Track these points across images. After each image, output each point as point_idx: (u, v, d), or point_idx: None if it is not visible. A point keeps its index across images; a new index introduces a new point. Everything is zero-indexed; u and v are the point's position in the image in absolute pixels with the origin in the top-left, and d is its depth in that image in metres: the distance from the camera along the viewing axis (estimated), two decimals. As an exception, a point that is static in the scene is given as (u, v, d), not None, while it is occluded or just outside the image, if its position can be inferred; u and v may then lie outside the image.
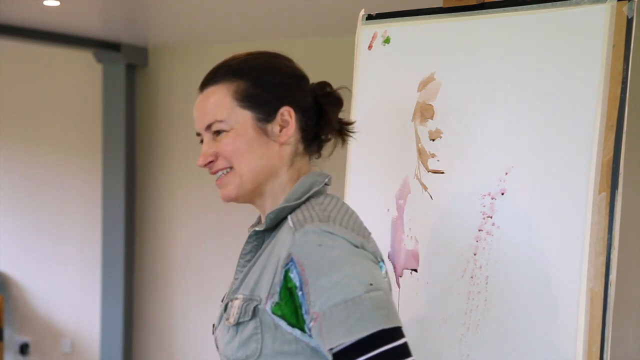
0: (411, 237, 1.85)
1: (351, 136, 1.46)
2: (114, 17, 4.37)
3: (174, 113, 5.18)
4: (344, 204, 1.38)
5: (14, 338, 5.67)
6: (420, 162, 1.84)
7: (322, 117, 1.41)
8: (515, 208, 1.69)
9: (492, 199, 1.73)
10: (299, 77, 1.43)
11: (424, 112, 1.85)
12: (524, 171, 1.69)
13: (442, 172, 1.77)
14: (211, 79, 1.40)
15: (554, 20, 1.69)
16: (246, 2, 3.74)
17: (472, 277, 1.74)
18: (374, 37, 1.95)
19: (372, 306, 1.20)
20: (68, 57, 5.38)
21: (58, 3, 3.83)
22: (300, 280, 1.24)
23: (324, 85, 1.43)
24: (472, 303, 1.74)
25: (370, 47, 1.95)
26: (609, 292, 1.56)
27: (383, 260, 1.35)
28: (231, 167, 1.38)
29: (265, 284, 1.30)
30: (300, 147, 1.41)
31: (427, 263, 1.82)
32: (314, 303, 1.22)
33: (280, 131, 1.37)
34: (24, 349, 5.64)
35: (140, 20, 4.50)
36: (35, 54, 5.50)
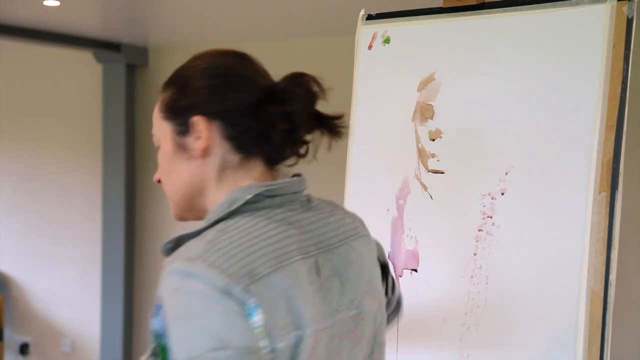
0: (411, 237, 1.85)
1: (340, 130, 1.25)
2: (114, 17, 4.37)
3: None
4: (258, 228, 1.14)
5: (14, 338, 5.67)
6: (420, 162, 1.84)
7: (261, 121, 1.20)
8: (515, 208, 1.69)
9: (492, 199, 1.73)
10: (226, 77, 1.23)
11: (424, 112, 1.85)
12: (524, 171, 1.69)
13: (442, 172, 1.77)
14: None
15: (554, 20, 1.69)
16: (246, 2, 3.74)
17: (472, 277, 1.74)
18: (374, 37, 1.95)
19: None
20: (68, 57, 5.37)
21: (58, 3, 3.83)
22: (164, 325, 1.09)
23: (288, 77, 1.23)
24: (472, 303, 1.74)
25: (370, 47, 1.95)
26: (609, 292, 1.56)
27: (259, 306, 1.07)
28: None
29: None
30: (235, 158, 1.20)
31: (427, 263, 1.82)
32: (172, 353, 1.07)
33: (196, 143, 1.20)
34: (24, 349, 5.64)
35: (140, 20, 4.50)
36: (35, 54, 5.49)
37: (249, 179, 1.21)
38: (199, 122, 1.20)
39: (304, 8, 3.84)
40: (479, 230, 1.74)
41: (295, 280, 1.12)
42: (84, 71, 5.38)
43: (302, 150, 1.24)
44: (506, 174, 1.71)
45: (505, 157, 1.72)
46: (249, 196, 1.16)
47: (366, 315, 1.24)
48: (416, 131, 1.85)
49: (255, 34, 4.55)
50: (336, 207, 1.31)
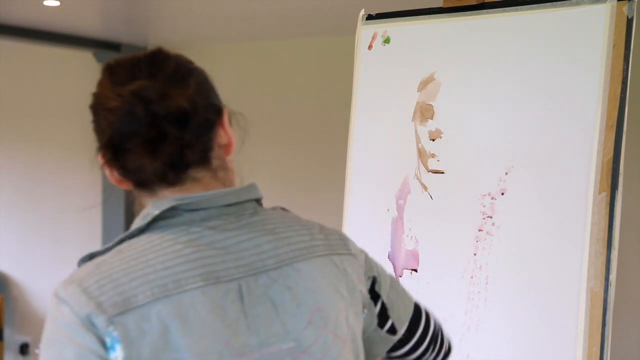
0: (411, 237, 1.85)
1: (239, 120, 1.14)
2: (114, 17, 4.37)
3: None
4: (157, 249, 1.04)
5: (14, 338, 5.67)
6: (420, 162, 1.84)
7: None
8: (515, 208, 1.69)
9: (492, 199, 1.73)
10: (99, 107, 1.11)
11: (424, 112, 1.85)
12: (524, 171, 1.69)
13: (442, 172, 1.77)
14: None
15: (554, 20, 1.69)
16: (246, 2, 3.74)
17: (472, 277, 1.74)
18: (374, 37, 1.95)
19: None
20: (68, 57, 5.38)
21: (58, 3, 3.83)
22: None
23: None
24: (472, 303, 1.74)
25: (370, 47, 1.95)
26: (609, 292, 1.56)
27: (121, 341, 0.98)
28: None
29: None
30: (142, 194, 1.11)
31: (427, 263, 1.82)
32: None
33: None
34: (24, 349, 5.64)
35: (140, 20, 4.50)
36: (35, 54, 5.50)
37: (148, 200, 1.10)
38: (98, 161, 1.14)
39: (304, 8, 3.84)
40: (479, 230, 1.74)
41: (181, 312, 1.00)
42: (84, 71, 5.38)
43: (208, 155, 1.10)
44: (506, 174, 1.71)
45: (505, 157, 1.72)
46: (157, 211, 1.05)
47: (307, 349, 1.07)
48: (416, 131, 1.85)
49: (255, 34, 4.55)
50: (291, 224, 1.14)
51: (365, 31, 1.96)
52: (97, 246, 5.31)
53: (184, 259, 1.03)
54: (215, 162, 1.11)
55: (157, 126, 1.05)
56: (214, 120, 1.11)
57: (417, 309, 1.27)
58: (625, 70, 1.58)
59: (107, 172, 1.11)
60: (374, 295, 1.20)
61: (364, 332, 1.19)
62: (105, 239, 5.21)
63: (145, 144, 1.05)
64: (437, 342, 1.29)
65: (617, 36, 1.60)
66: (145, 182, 1.09)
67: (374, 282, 1.20)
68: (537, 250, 1.67)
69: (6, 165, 5.72)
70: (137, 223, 1.07)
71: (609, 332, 1.57)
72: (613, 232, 1.57)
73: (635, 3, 1.60)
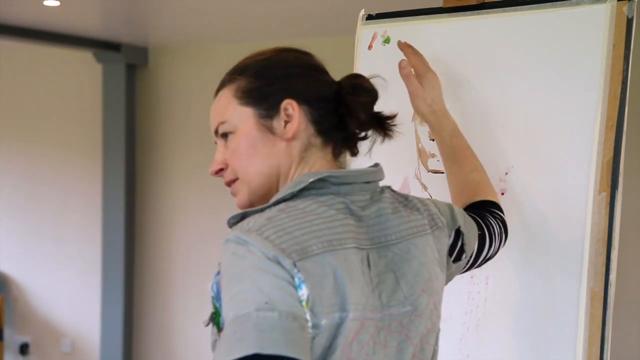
0: (411, 237, 1.85)
1: (392, 130, 1.35)
2: (114, 17, 4.37)
3: (174, 113, 5.18)
4: (316, 211, 1.19)
5: (14, 338, 5.67)
6: (420, 162, 1.84)
7: (343, 109, 1.29)
8: (515, 208, 1.69)
9: (492, 199, 1.73)
10: (309, 67, 1.33)
11: (424, 112, 1.84)
12: (524, 171, 1.69)
13: (442, 172, 1.77)
14: (221, 83, 1.35)
15: (554, 20, 1.69)
16: (246, 2, 3.74)
17: (472, 277, 1.74)
18: (374, 37, 1.95)
19: (257, 327, 1.05)
20: (68, 57, 5.38)
21: (58, 3, 3.83)
22: (218, 290, 1.16)
23: (352, 76, 1.33)
24: (472, 303, 1.74)
25: (370, 47, 1.95)
26: (609, 292, 1.56)
27: (305, 282, 1.11)
28: (237, 179, 1.31)
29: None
30: (317, 141, 1.28)
31: (427, 263, 1.82)
32: (223, 315, 1.13)
33: (285, 126, 1.27)
34: (24, 349, 5.64)
35: (140, 20, 4.50)
36: (35, 54, 5.50)
37: (324, 162, 1.29)
38: (290, 106, 1.26)
39: (304, 8, 3.84)
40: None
41: (346, 264, 1.16)
42: (84, 71, 5.38)
43: (358, 147, 1.34)
44: (506, 174, 1.71)
45: (505, 157, 1.72)
46: (312, 179, 1.21)
47: (421, 313, 1.26)
48: (416, 131, 1.85)
49: (255, 34, 4.55)
50: (407, 202, 1.34)
51: (365, 31, 1.96)
52: (97, 246, 5.31)
53: (338, 222, 1.19)
54: None
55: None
56: None
57: (480, 227, 1.51)
58: (625, 70, 1.58)
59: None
60: (459, 245, 1.44)
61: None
62: (105, 239, 5.21)
63: None
64: (495, 240, 1.54)
65: (617, 36, 1.60)
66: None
67: (457, 233, 1.43)
68: (536, 250, 1.67)
69: (6, 165, 5.72)
70: (291, 188, 1.22)
71: (609, 332, 1.57)
72: (613, 232, 1.57)
73: (635, 3, 1.60)
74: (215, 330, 1.19)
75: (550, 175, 1.66)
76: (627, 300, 3.78)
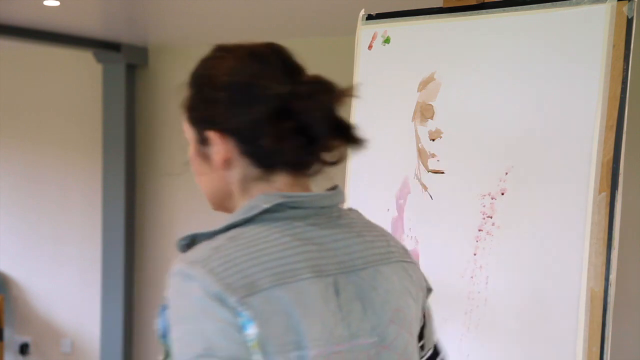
0: (411, 237, 1.85)
1: (359, 140, 1.21)
2: (114, 17, 4.37)
3: (174, 113, 5.13)
4: (269, 240, 1.10)
5: (14, 338, 5.67)
6: (420, 162, 1.84)
7: (296, 124, 1.12)
8: (515, 208, 1.69)
9: (492, 199, 1.73)
10: (241, 85, 1.15)
11: (424, 112, 1.85)
12: (524, 171, 1.69)
13: (442, 172, 1.77)
14: None
15: (554, 20, 1.69)
16: (246, 2, 3.74)
17: (472, 277, 1.74)
18: (374, 37, 1.95)
19: None
20: (68, 57, 5.38)
21: (58, 3, 3.83)
22: (164, 327, 1.09)
23: (301, 83, 1.16)
24: (472, 303, 1.74)
25: (370, 47, 1.95)
26: (609, 292, 1.56)
27: (253, 320, 1.03)
28: None
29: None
30: (254, 172, 1.15)
31: (427, 263, 1.82)
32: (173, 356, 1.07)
33: (216, 156, 1.16)
34: (24, 349, 5.64)
35: (140, 20, 4.50)
36: (35, 54, 5.50)
37: (273, 190, 1.15)
38: (214, 138, 1.15)
39: (304, 8, 3.84)
40: (479, 230, 1.74)
41: (299, 298, 1.07)
42: (84, 71, 5.38)
43: (328, 158, 1.17)
44: (506, 174, 1.71)
45: (505, 157, 1.72)
46: (267, 205, 1.12)
47: (390, 345, 1.15)
48: (416, 131, 1.85)
49: (255, 34, 4.54)
50: (371, 228, 1.23)
51: (365, 31, 1.96)
52: (97, 246, 5.31)
53: (292, 251, 1.09)
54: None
55: None
56: None
57: (438, 343, 1.34)
58: (625, 70, 1.58)
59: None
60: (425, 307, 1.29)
61: None
62: (105, 239, 5.21)
63: None
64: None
65: (617, 36, 1.60)
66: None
67: (428, 293, 1.30)
68: (537, 250, 1.67)
69: (6, 165, 5.72)
70: (243, 213, 1.13)
71: (609, 332, 1.57)
72: (613, 232, 1.57)
73: (635, 3, 1.60)
74: None
75: (550, 175, 1.66)
76: (627, 300, 3.78)
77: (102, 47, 5.02)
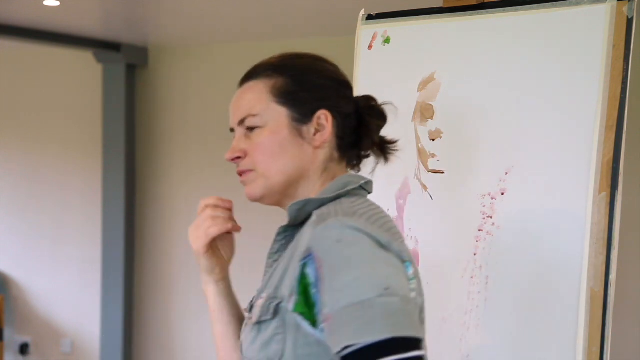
0: (411, 237, 1.85)
1: (393, 154, 1.41)
2: (114, 17, 4.37)
3: (174, 113, 5.17)
4: (378, 206, 1.29)
5: (14, 338, 5.67)
6: (420, 162, 1.84)
7: (362, 129, 1.35)
8: (515, 208, 1.69)
9: (492, 199, 1.73)
10: (342, 82, 1.36)
11: (424, 112, 1.85)
12: (524, 171, 1.69)
13: (442, 172, 1.77)
14: (251, 75, 1.36)
15: (554, 20, 1.69)
16: (246, 2, 3.74)
17: (472, 277, 1.74)
18: (374, 37, 1.95)
19: (382, 312, 1.08)
20: (68, 57, 5.38)
21: (58, 3, 3.83)
22: (316, 277, 1.15)
23: (369, 98, 1.37)
24: (472, 303, 1.74)
25: (370, 47, 1.95)
26: (609, 292, 1.56)
27: (412, 261, 1.22)
28: (253, 170, 1.31)
29: (288, 282, 1.21)
30: (336, 155, 1.33)
31: (427, 263, 1.82)
32: (326, 303, 1.13)
33: (315, 134, 1.30)
34: (24, 349, 5.64)
35: (140, 20, 4.50)
36: (35, 54, 5.50)
37: (343, 172, 1.35)
38: (324, 116, 1.31)
39: (304, 8, 3.84)
40: (479, 230, 1.74)
41: (408, 251, 1.25)
42: (83, 71, 5.38)
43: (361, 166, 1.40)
44: (506, 174, 1.71)
45: (505, 157, 1.72)
46: (362, 182, 1.31)
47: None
48: (416, 131, 1.85)
49: (255, 34, 4.55)
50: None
51: (365, 31, 1.96)
52: (97, 246, 5.30)
53: (389, 217, 1.28)
54: None
55: None
56: None
57: None
58: (625, 70, 1.58)
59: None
60: None
61: None
62: (105, 239, 5.21)
63: None
64: None
65: (617, 36, 1.60)
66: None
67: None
68: (537, 250, 1.67)
69: (6, 165, 5.72)
70: (343, 187, 1.29)
71: (609, 332, 1.57)
72: (613, 232, 1.57)
73: (635, 3, 1.60)
74: (296, 320, 1.18)
75: (550, 175, 1.66)
76: (627, 300, 3.78)
77: (102, 47, 5.02)
